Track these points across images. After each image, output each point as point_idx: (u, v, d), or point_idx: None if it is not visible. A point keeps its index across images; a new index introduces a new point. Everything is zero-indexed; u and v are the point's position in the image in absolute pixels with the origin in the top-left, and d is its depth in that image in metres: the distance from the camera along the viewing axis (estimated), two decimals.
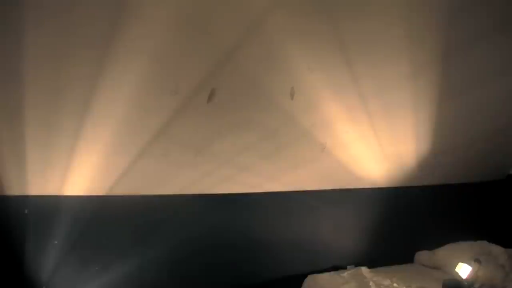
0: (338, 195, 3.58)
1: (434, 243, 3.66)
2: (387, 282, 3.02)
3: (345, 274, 3.20)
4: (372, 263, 3.44)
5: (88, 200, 2.71)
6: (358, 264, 3.47)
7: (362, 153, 3.34)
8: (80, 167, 2.55)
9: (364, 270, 3.27)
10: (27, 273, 2.61)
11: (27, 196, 2.55)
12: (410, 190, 3.87)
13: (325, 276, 3.19)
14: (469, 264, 2.97)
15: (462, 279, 2.93)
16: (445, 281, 2.85)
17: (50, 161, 2.47)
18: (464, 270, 2.97)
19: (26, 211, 2.58)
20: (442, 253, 3.53)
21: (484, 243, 3.44)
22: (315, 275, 3.22)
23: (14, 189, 2.51)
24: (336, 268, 3.46)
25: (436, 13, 2.58)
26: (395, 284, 2.98)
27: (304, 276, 3.25)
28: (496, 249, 3.33)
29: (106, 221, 2.81)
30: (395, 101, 3.04)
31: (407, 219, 3.89)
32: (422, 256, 3.69)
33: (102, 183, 2.69)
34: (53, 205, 2.63)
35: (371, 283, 3.00)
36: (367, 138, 3.22)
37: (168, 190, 2.92)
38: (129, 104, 2.37)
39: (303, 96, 2.72)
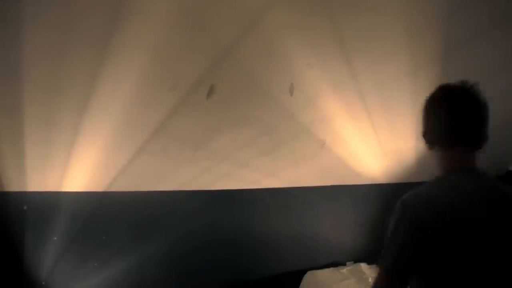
0: (337, 191, 3.57)
1: None
2: None
3: (344, 270, 3.21)
4: (371, 260, 3.44)
5: (88, 196, 2.71)
6: (357, 260, 3.47)
7: (362, 150, 3.34)
8: (79, 163, 2.55)
9: (364, 266, 3.27)
10: (26, 269, 2.62)
11: (26, 192, 2.55)
12: (410, 186, 3.85)
13: (325, 272, 3.19)
14: None
15: None
16: None
17: (49, 157, 2.47)
18: None
19: (25, 207, 2.58)
20: None
21: None
22: (314, 271, 3.23)
23: (13, 185, 2.51)
24: (335, 264, 3.46)
25: (436, 10, 2.57)
26: None
27: (303, 272, 3.26)
28: None
29: (105, 217, 2.82)
30: (394, 98, 3.03)
31: None
32: None
33: (101, 179, 2.69)
34: (52, 201, 2.63)
35: (370, 279, 3.00)
36: (366, 135, 3.22)
37: (167, 186, 2.92)
38: (128, 100, 2.37)
39: (303, 92, 2.71)
